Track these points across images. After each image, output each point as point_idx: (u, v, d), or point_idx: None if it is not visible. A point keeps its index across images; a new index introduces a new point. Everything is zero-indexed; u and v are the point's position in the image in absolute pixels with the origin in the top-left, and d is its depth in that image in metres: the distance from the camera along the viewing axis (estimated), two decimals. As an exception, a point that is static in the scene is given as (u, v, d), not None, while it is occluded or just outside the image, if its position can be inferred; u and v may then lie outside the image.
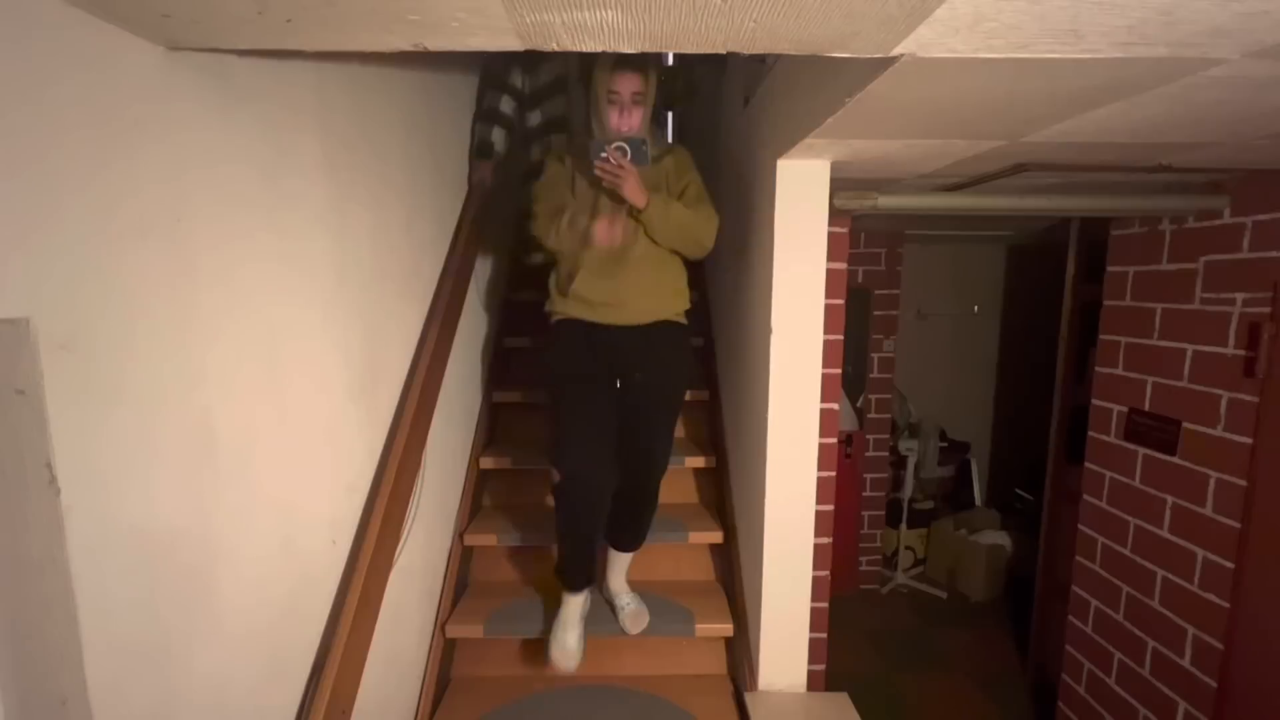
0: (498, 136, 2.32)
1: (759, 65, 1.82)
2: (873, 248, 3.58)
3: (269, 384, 1.12)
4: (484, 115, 2.33)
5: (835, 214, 1.71)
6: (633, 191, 1.62)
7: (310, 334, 1.26)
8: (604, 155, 1.57)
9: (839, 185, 1.66)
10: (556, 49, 0.86)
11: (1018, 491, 4.17)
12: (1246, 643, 1.76)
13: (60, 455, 0.71)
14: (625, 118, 1.68)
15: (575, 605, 1.83)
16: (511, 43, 0.84)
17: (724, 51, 0.87)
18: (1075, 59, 0.86)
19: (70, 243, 0.73)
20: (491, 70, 2.34)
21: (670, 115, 4.42)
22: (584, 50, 0.87)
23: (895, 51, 0.86)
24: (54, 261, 0.71)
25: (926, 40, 0.82)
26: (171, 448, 0.89)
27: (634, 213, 1.68)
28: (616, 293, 1.74)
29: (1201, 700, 1.86)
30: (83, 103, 0.75)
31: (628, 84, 1.67)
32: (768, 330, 1.65)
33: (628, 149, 1.58)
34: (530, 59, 2.28)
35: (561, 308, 1.81)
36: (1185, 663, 1.91)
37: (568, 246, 1.73)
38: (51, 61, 0.71)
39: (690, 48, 0.86)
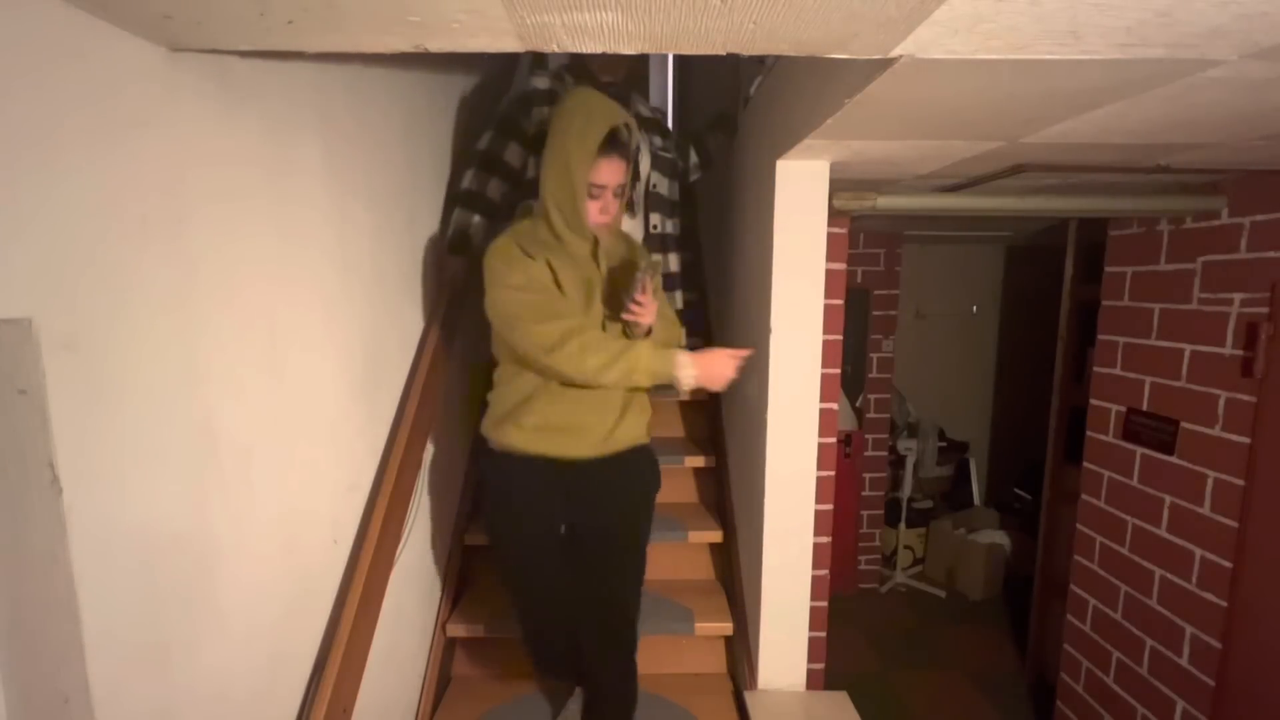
0: (477, 228, 1.88)
1: (758, 66, 1.82)
2: (872, 248, 3.58)
3: (271, 383, 1.12)
4: (463, 199, 1.89)
5: (834, 214, 1.71)
6: (651, 318, 1.38)
7: (312, 333, 1.26)
8: (642, 289, 1.33)
9: (838, 186, 1.66)
10: (557, 49, 0.86)
11: (1016, 491, 4.17)
12: (1244, 642, 1.76)
13: (62, 455, 0.71)
14: (605, 213, 1.42)
15: (577, 700, 1.72)
16: (512, 44, 0.84)
17: (723, 53, 0.87)
18: (1073, 60, 0.87)
19: (73, 243, 0.73)
20: (476, 149, 1.93)
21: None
22: (584, 51, 0.87)
23: (894, 53, 0.86)
24: (56, 262, 0.71)
25: (925, 41, 0.82)
26: (173, 447, 0.89)
27: (627, 330, 1.43)
28: (582, 415, 1.45)
29: (1199, 699, 1.87)
30: (85, 103, 0.75)
31: (614, 173, 1.39)
32: (767, 330, 1.66)
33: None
34: (537, 139, 1.86)
35: (507, 438, 1.47)
36: (1183, 661, 1.92)
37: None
38: (53, 63, 0.71)
39: (690, 49, 0.87)
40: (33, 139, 0.69)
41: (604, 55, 1.77)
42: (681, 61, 3.88)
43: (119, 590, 0.80)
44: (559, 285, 1.39)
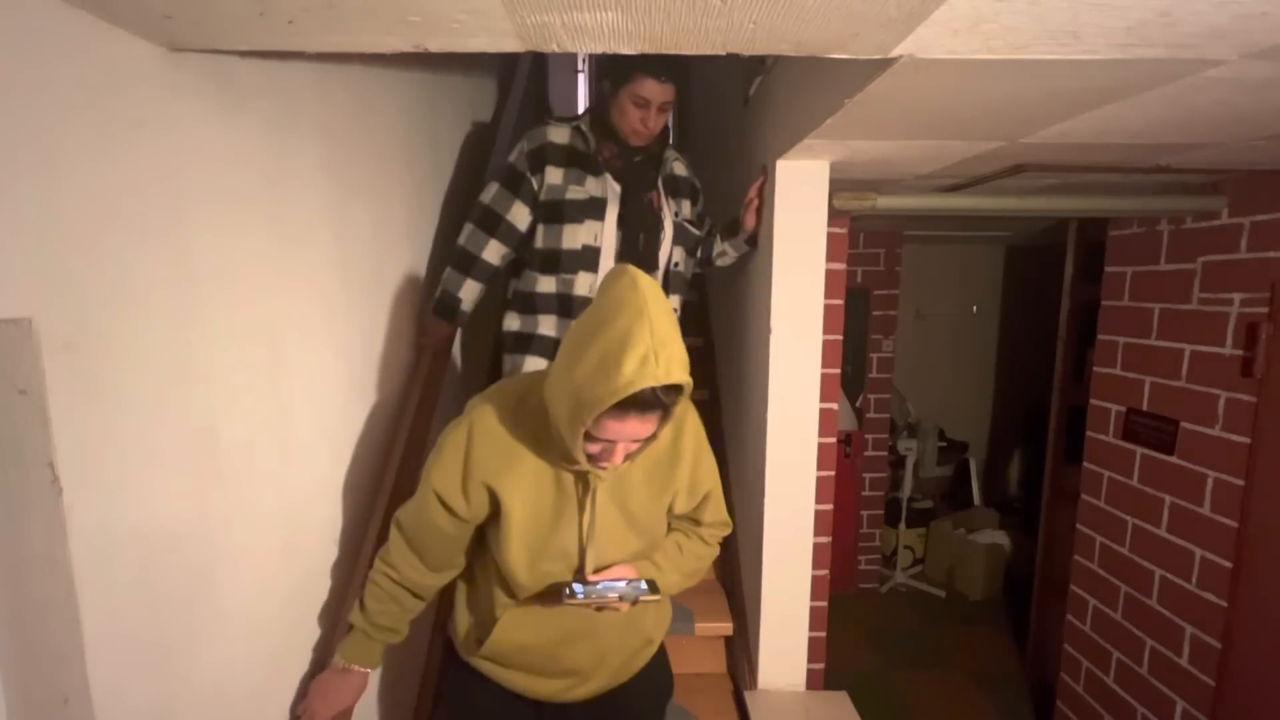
0: (469, 293, 1.68)
1: (758, 65, 1.82)
2: (872, 248, 3.58)
3: (270, 383, 1.12)
4: (458, 260, 1.68)
5: (834, 214, 1.71)
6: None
7: (311, 333, 1.26)
8: (578, 596, 1.03)
9: (838, 186, 1.66)
10: (556, 49, 0.86)
11: (1016, 491, 4.18)
12: (1244, 642, 1.76)
13: (62, 455, 0.71)
14: (610, 459, 1.01)
15: None
16: (512, 44, 0.84)
17: (723, 53, 0.87)
18: (1073, 60, 0.87)
19: (73, 243, 0.73)
20: (478, 201, 1.68)
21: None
22: (583, 50, 0.87)
23: (894, 53, 0.86)
24: (56, 262, 0.71)
25: (925, 41, 0.82)
26: (173, 447, 0.89)
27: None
28: (579, 658, 1.13)
29: (1199, 699, 1.87)
30: (84, 104, 0.75)
31: (633, 431, 0.97)
32: (767, 330, 1.66)
33: (624, 591, 1.05)
34: (549, 205, 1.64)
35: (476, 661, 1.19)
36: (1183, 662, 1.92)
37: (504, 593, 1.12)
38: (53, 63, 0.71)
39: (690, 49, 0.86)
40: (33, 139, 0.69)
41: (639, 119, 1.56)
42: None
43: (119, 590, 0.80)
44: (499, 508, 1.05)
